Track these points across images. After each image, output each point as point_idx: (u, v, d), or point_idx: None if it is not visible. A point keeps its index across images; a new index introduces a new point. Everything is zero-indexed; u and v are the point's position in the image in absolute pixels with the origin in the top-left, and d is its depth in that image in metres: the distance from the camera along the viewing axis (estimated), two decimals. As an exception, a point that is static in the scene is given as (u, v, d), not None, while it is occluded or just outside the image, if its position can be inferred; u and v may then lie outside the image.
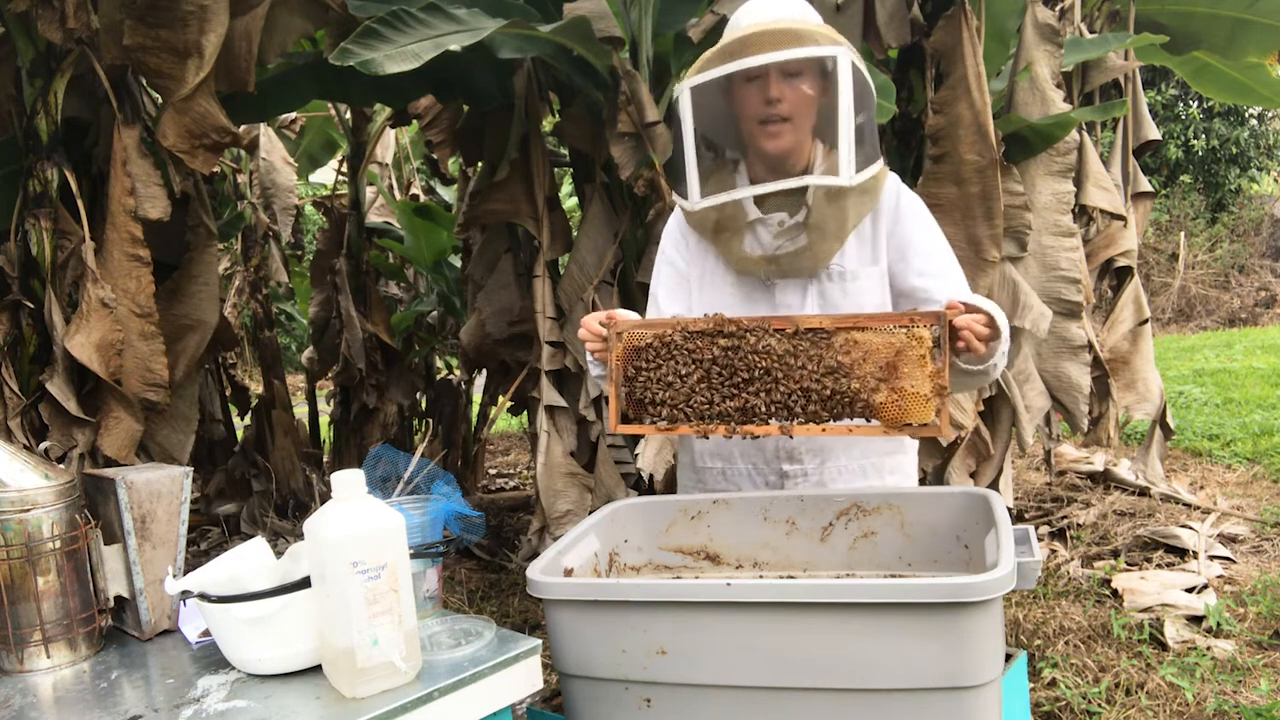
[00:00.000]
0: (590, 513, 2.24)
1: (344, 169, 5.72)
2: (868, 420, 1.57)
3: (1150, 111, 4.32)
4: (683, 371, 1.63)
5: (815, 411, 1.58)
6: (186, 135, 3.08)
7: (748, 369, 1.61)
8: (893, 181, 1.82)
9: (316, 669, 1.31)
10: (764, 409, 1.61)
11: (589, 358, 1.78)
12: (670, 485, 3.46)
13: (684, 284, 1.91)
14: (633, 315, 1.80)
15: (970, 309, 1.56)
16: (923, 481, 2.40)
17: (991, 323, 1.56)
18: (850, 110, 1.63)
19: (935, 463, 3.47)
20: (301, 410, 6.04)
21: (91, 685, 1.35)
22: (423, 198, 6.54)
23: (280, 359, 5.75)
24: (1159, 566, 3.83)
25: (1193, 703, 2.71)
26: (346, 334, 5.24)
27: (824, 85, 1.72)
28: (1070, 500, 4.77)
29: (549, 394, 3.68)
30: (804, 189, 1.73)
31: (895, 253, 1.80)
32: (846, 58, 1.62)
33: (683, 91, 1.72)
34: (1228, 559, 3.86)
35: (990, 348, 1.58)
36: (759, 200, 1.79)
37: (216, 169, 3.60)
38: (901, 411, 1.53)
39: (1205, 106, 12.24)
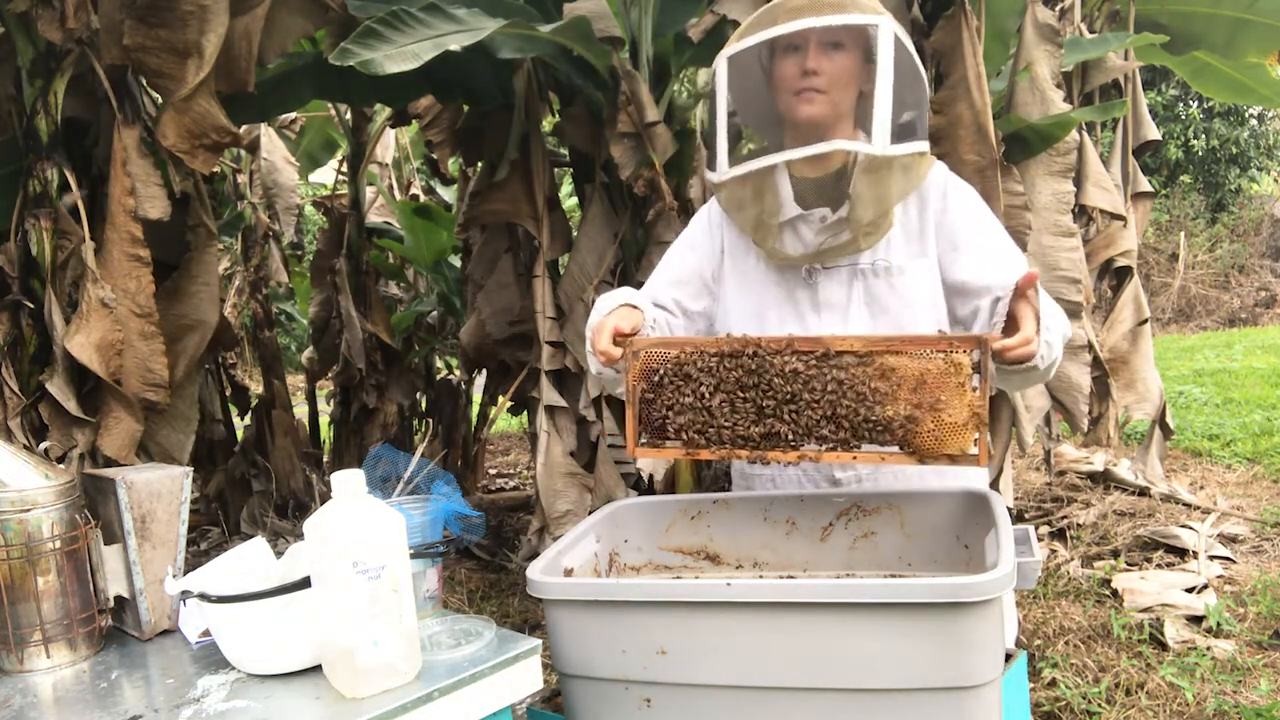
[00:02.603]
0: (590, 513, 2.23)
1: (344, 169, 5.72)
2: (902, 449, 1.48)
3: (1150, 112, 4.32)
4: (704, 394, 1.54)
5: (845, 439, 1.49)
6: (186, 135, 3.08)
7: (773, 393, 1.52)
8: (940, 171, 1.75)
9: (316, 669, 1.31)
10: (790, 435, 1.52)
11: (588, 350, 1.70)
12: (670, 485, 3.47)
13: (697, 280, 1.84)
14: (638, 306, 1.71)
15: (1015, 302, 1.46)
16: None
17: (1029, 341, 1.44)
18: (889, 77, 1.57)
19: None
20: (301, 410, 6.03)
21: (91, 685, 1.35)
22: (423, 198, 6.54)
23: (280, 359, 5.75)
24: (1159, 566, 3.83)
25: (1193, 703, 2.71)
26: (346, 334, 5.24)
27: (870, 70, 1.65)
28: (1070, 500, 4.77)
29: (549, 394, 3.68)
30: (845, 182, 1.68)
31: (946, 243, 1.71)
32: (889, 28, 1.58)
33: (719, 62, 1.65)
34: (1228, 559, 3.86)
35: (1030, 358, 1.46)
36: (799, 196, 1.74)
37: (216, 169, 3.60)
38: (938, 441, 1.45)
39: (1205, 106, 12.24)
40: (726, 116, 1.68)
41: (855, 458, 1.51)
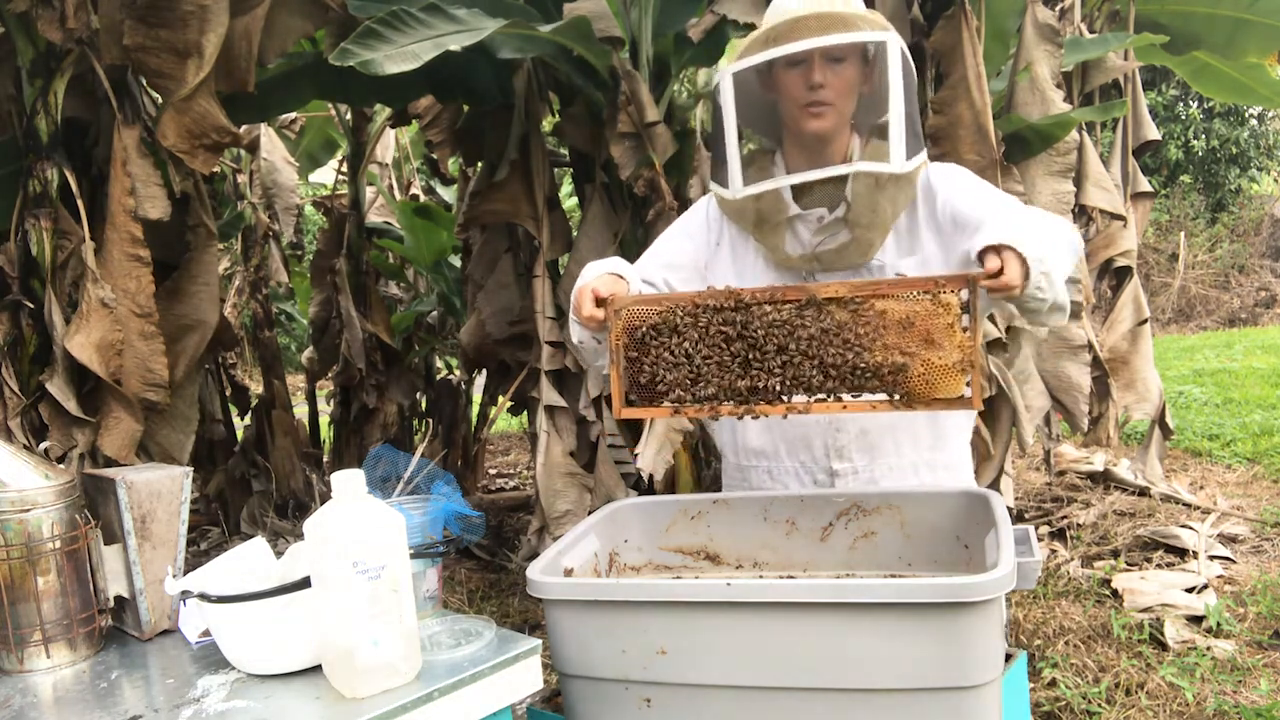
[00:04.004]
0: (590, 513, 2.23)
1: (344, 169, 5.72)
2: (892, 395, 1.46)
3: (1150, 112, 4.32)
4: (689, 350, 1.52)
5: (833, 388, 1.47)
6: (186, 135, 3.08)
7: (758, 345, 1.49)
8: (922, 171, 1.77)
9: (316, 669, 1.31)
10: (777, 387, 1.49)
11: (571, 317, 1.68)
12: (670, 485, 3.46)
13: (691, 267, 1.85)
14: (625, 270, 1.70)
15: (1003, 249, 1.41)
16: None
17: (1012, 286, 1.40)
18: (901, 95, 1.60)
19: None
20: (301, 410, 6.04)
21: (91, 685, 1.35)
22: (423, 198, 6.54)
23: (280, 359, 5.75)
24: (1159, 566, 3.83)
25: (1193, 703, 2.71)
26: (346, 334, 5.24)
27: (868, 73, 1.70)
28: (1070, 500, 4.77)
29: (549, 394, 3.68)
30: (843, 181, 1.70)
31: (949, 227, 1.71)
32: (896, 44, 1.61)
33: (724, 77, 1.67)
34: (1228, 559, 3.86)
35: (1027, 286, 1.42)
36: (797, 194, 1.76)
37: (216, 169, 3.60)
38: (929, 386, 1.42)
39: (1205, 107, 12.24)
40: (735, 134, 1.69)
41: (845, 408, 1.49)
